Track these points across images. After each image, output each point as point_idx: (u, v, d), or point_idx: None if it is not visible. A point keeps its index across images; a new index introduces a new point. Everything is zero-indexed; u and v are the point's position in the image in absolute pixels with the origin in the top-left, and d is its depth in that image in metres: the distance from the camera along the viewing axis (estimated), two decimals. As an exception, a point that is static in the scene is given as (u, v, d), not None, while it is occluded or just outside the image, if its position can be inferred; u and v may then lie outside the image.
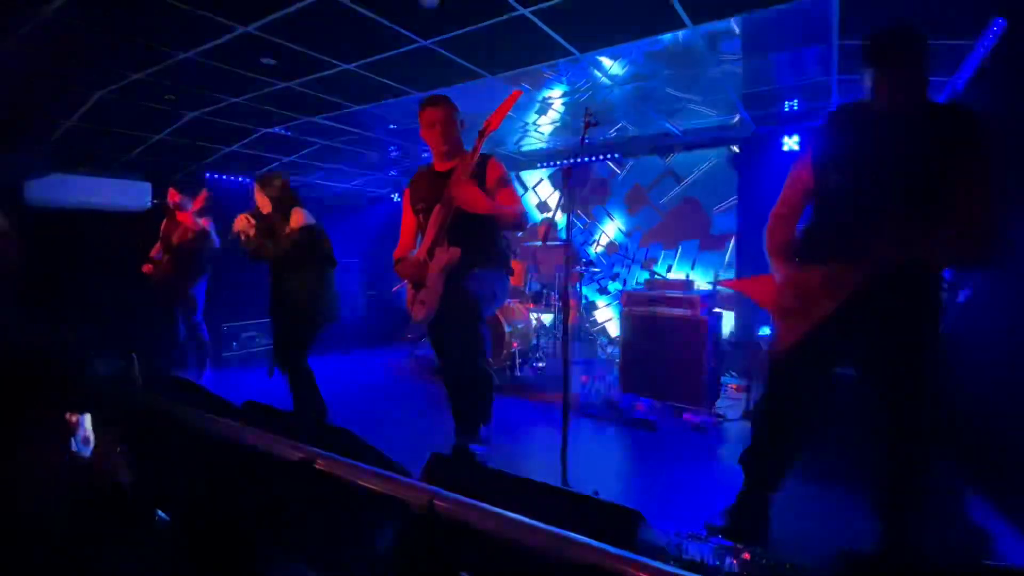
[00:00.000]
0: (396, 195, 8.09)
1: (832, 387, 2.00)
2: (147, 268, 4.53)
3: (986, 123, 1.61)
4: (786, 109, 4.46)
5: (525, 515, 0.86)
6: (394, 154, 6.14)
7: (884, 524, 1.80)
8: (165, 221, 4.59)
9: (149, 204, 5.56)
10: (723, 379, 4.16)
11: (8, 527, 1.00)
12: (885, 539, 1.79)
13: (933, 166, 1.59)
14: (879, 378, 1.77)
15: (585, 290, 6.16)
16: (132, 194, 5.55)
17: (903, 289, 1.65)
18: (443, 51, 3.15)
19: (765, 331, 4.47)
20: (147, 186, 5.60)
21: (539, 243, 5.32)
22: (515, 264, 5.25)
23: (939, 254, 1.63)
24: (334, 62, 3.31)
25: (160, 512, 1.58)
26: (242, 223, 3.19)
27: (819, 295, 1.72)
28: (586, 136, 2.52)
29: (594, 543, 0.69)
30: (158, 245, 4.58)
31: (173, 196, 4.54)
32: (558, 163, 6.52)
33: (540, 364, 5.01)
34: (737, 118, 4.77)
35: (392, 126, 4.99)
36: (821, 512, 2.36)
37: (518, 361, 4.82)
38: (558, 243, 5.10)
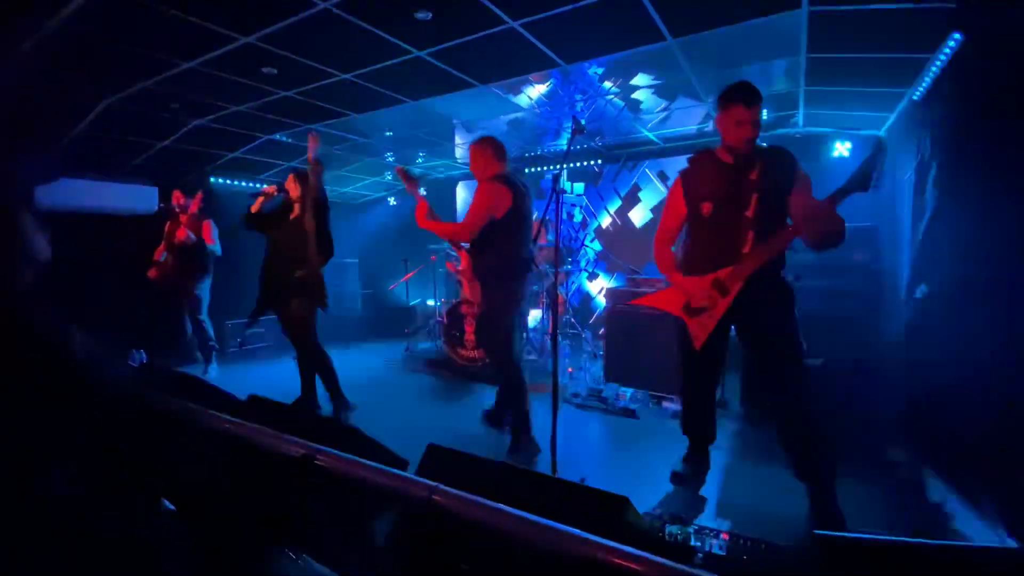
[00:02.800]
0: (392, 198, 8.01)
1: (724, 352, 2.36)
2: (152, 273, 4.43)
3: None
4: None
5: (517, 504, 0.84)
6: (390, 159, 6.07)
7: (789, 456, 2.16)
8: (169, 223, 4.49)
9: (156, 207, 5.45)
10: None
11: (19, 522, 0.96)
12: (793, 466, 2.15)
13: (773, 188, 2.04)
14: (761, 344, 2.17)
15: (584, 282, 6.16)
16: (140, 198, 5.42)
17: (767, 279, 2.11)
18: (436, 62, 3.10)
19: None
20: (154, 190, 5.48)
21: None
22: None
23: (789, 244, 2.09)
24: (332, 72, 3.25)
25: (166, 502, 1.53)
26: (271, 189, 3.26)
27: (715, 295, 2.14)
28: (573, 142, 2.49)
29: (589, 536, 0.67)
30: (162, 246, 4.48)
31: (177, 198, 4.44)
32: (550, 168, 6.49)
33: (530, 357, 4.99)
34: (712, 126, 4.78)
35: (388, 133, 4.92)
36: (796, 495, 2.37)
37: (509, 354, 4.80)
38: (547, 244, 5.09)
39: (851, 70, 3.12)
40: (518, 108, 4.22)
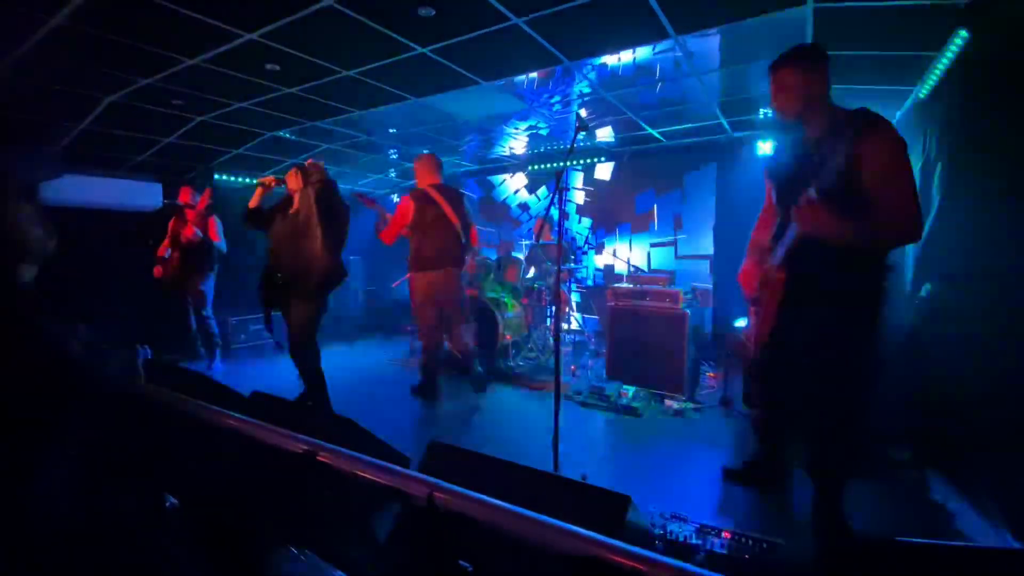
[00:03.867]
0: (396, 196, 8.01)
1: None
2: (157, 270, 4.44)
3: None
4: (761, 116, 4.45)
5: (520, 501, 0.84)
6: (393, 156, 6.07)
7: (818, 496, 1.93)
8: (174, 219, 4.49)
9: (161, 203, 5.46)
10: (701, 368, 4.16)
11: (19, 516, 0.96)
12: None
13: (825, 167, 1.65)
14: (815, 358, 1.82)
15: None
16: (144, 194, 5.44)
17: (816, 284, 1.78)
18: (439, 58, 3.10)
19: (739, 322, 4.49)
20: (158, 187, 5.50)
21: (533, 242, 5.29)
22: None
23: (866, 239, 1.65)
24: (335, 68, 3.25)
25: (170, 497, 1.54)
26: (270, 180, 3.11)
27: (762, 287, 1.98)
28: (576, 140, 2.48)
29: (590, 534, 0.67)
30: (166, 243, 4.49)
31: (184, 195, 4.45)
32: (549, 166, 6.48)
33: (532, 354, 5.00)
34: (717, 123, 4.76)
35: (392, 130, 4.92)
36: (798, 496, 2.37)
37: (511, 352, 4.80)
38: (550, 242, 5.08)
39: (856, 67, 3.09)
40: (523, 106, 4.20)
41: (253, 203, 3.14)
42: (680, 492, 2.37)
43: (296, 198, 3.04)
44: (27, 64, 2.89)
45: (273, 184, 3.11)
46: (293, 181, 3.05)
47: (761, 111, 4.31)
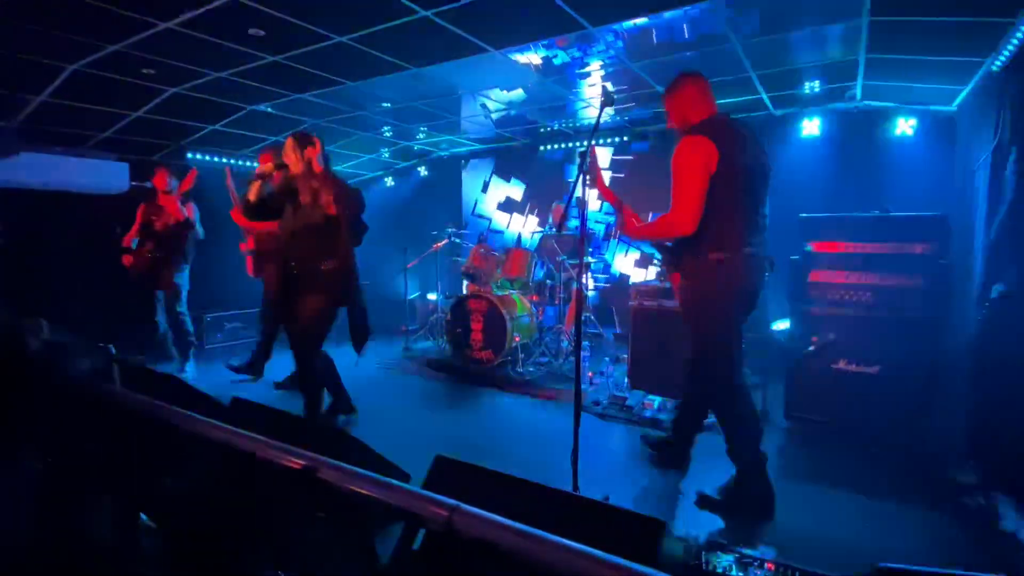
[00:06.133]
0: (390, 178, 8.00)
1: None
2: (127, 260, 4.45)
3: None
4: (806, 91, 4.41)
5: (539, 524, 0.83)
6: (387, 134, 6.07)
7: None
8: (144, 205, 4.49)
9: (127, 186, 5.48)
10: (737, 376, 4.13)
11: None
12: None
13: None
14: None
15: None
16: (108, 175, 5.46)
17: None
18: (444, 23, 3.08)
19: (778, 325, 4.45)
20: (124, 166, 5.51)
21: (551, 231, 5.26)
22: (518, 253, 5.21)
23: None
24: (326, 34, 3.24)
25: (144, 516, 1.54)
26: (268, 168, 2.94)
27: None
28: (602, 116, 2.46)
29: (624, 562, 0.66)
30: (133, 231, 4.49)
31: (161, 178, 4.43)
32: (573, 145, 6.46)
33: (544, 359, 4.99)
34: (754, 99, 4.71)
35: (386, 104, 4.91)
36: (851, 523, 2.35)
37: (520, 356, 4.80)
38: (572, 232, 5.05)
39: (920, 36, 3.05)
40: (534, 77, 4.18)
41: (253, 196, 2.95)
42: (714, 516, 2.36)
43: (300, 181, 2.96)
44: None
45: (272, 171, 2.96)
46: (292, 159, 2.94)
47: (807, 85, 4.27)
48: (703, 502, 2.48)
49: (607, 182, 5.48)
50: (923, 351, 3.01)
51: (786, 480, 2.67)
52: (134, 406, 1.41)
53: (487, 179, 7.40)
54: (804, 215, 3.45)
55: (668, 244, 2.56)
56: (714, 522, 2.32)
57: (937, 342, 3.05)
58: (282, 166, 2.97)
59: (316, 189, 2.89)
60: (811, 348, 3.29)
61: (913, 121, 4.46)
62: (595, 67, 3.99)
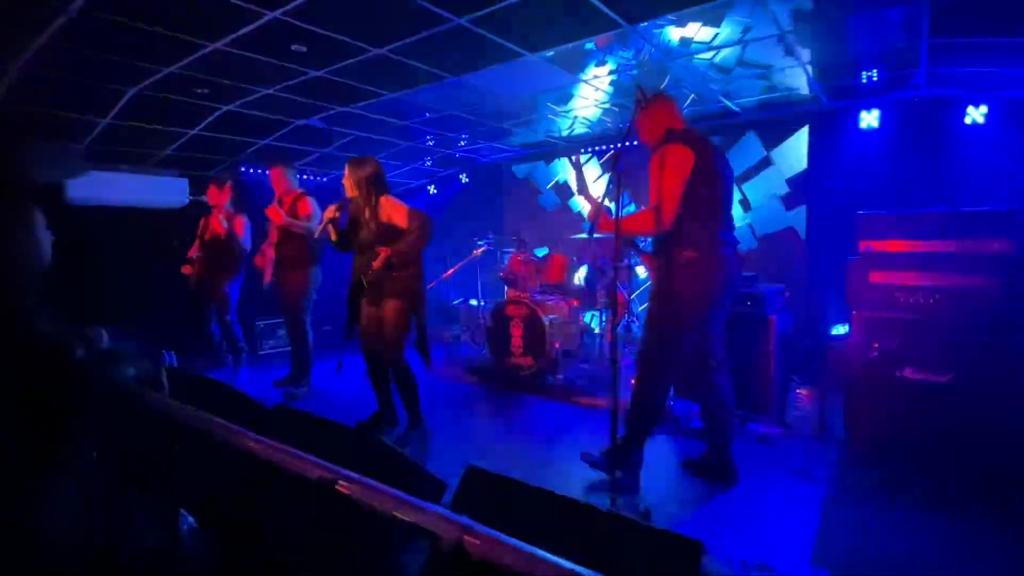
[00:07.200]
0: (432, 186, 8.12)
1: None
2: (186, 269, 4.71)
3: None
4: (864, 80, 4.16)
5: (569, 541, 0.79)
6: (429, 143, 6.15)
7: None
8: (203, 219, 4.77)
9: (187, 200, 5.80)
10: (791, 385, 3.92)
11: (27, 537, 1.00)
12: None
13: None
14: None
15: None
16: (170, 190, 5.79)
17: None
18: (478, 29, 3.09)
19: (837, 330, 4.19)
20: (184, 182, 5.83)
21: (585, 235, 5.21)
22: (557, 257, 5.16)
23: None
24: (365, 47, 3.31)
25: (186, 514, 1.59)
26: (330, 212, 3.25)
27: None
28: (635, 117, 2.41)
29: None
30: (196, 243, 4.76)
31: (212, 195, 4.69)
32: (607, 147, 6.37)
33: (585, 365, 4.91)
34: (807, 92, 4.49)
35: (427, 114, 4.98)
36: (915, 539, 2.18)
37: (561, 362, 4.73)
38: (607, 235, 4.95)
39: (990, 15, 2.82)
40: (570, 81, 4.14)
41: (333, 236, 3.31)
42: (765, 536, 2.23)
43: (360, 203, 3.21)
44: (47, 57, 3.12)
45: (338, 213, 3.26)
46: (350, 187, 3.21)
47: (864, 74, 4.04)
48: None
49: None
50: (1001, 359, 2.75)
51: (842, 495, 2.50)
52: (182, 413, 1.46)
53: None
54: (863, 212, 3.25)
55: (639, 243, 3.03)
56: (763, 541, 2.19)
57: (1017, 348, 2.79)
58: (345, 202, 3.27)
59: (373, 208, 3.14)
60: (873, 355, 3.08)
61: (985, 108, 4.13)
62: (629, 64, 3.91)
